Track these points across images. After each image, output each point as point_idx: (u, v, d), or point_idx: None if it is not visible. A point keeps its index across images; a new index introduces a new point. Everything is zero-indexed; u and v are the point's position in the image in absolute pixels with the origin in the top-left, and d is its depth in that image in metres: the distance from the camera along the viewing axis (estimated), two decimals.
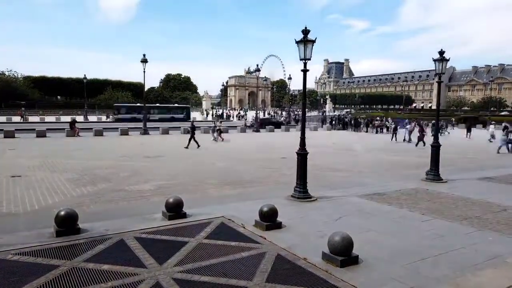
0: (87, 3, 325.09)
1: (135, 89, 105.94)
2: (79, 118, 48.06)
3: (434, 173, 12.80)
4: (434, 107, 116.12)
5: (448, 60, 12.75)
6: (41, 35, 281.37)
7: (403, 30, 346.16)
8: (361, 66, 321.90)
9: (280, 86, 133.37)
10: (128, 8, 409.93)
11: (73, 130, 29.27)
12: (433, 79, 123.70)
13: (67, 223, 6.63)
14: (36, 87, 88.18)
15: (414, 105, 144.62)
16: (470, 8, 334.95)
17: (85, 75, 59.16)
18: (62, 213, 6.66)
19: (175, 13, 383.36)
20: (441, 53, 12.62)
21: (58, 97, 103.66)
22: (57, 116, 57.12)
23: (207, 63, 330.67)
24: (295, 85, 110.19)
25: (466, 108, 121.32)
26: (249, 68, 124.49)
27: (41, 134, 27.32)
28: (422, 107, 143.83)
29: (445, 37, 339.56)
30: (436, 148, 13.02)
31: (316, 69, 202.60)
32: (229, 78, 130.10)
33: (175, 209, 7.75)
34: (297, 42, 9.49)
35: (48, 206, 8.79)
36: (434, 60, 12.86)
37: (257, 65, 44.92)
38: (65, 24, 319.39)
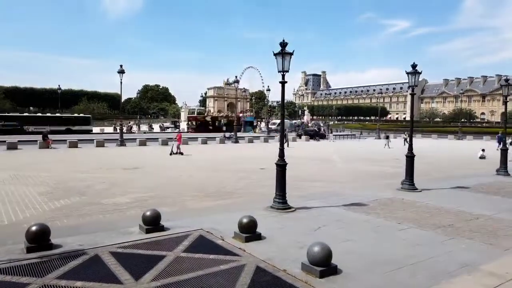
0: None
1: (112, 100, 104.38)
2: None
3: (409, 183, 13.10)
4: (408, 118, 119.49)
5: (420, 73, 13.18)
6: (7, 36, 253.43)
7: (445, 32, 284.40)
8: (368, 75, 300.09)
9: (259, 97, 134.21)
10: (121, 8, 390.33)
11: (45, 142, 28.46)
12: (407, 91, 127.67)
13: (38, 239, 6.37)
14: (8, 97, 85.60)
15: (389, 116, 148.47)
16: None
17: (59, 85, 58.01)
18: (33, 228, 6.41)
19: (160, 16, 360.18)
20: (414, 66, 13.05)
21: (31, 108, 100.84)
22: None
23: (189, 72, 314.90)
24: (274, 97, 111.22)
25: (438, 119, 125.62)
26: (227, 80, 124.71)
27: (12, 146, 26.36)
28: (397, 118, 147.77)
29: (492, 41, 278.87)
30: (410, 158, 13.36)
31: (296, 79, 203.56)
32: (208, 89, 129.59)
33: (152, 222, 7.59)
34: (275, 55, 9.62)
35: (19, 221, 8.44)
36: (407, 73, 13.27)
37: (236, 77, 45.30)
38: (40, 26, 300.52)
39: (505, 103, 18.17)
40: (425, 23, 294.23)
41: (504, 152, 18.01)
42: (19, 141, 28.75)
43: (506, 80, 17.45)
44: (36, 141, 29.14)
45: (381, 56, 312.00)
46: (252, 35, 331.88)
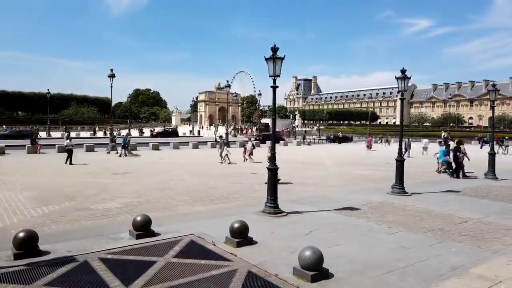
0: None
1: (102, 104, 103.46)
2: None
3: (399, 187, 13.21)
4: (398, 122, 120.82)
5: (410, 78, 13.35)
6: None
7: (464, 31, 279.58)
8: (371, 78, 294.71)
9: (250, 101, 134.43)
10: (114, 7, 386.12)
11: (34, 146, 28.06)
12: (396, 96, 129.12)
13: (26, 245, 6.26)
14: None
15: (379, 121, 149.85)
16: None
17: (48, 89, 57.39)
18: (21, 234, 6.30)
19: (153, 16, 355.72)
20: (403, 71, 13.21)
21: (19, 112, 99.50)
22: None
23: (180, 74, 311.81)
24: (266, 101, 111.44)
25: (427, 124, 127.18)
26: (219, 84, 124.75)
27: None
28: (387, 123, 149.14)
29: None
30: (400, 162, 13.48)
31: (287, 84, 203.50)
32: (199, 93, 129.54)
33: (142, 228, 7.52)
34: (266, 59, 9.66)
35: (6, 227, 8.29)
36: (397, 78, 13.42)
37: (227, 81, 45.39)
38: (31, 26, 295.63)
39: (492, 108, 18.48)
40: (447, 23, 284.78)
41: (491, 156, 18.26)
42: (7, 145, 28.34)
43: (493, 86, 17.77)
44: (25, 146, 28.72)
45: (390, 58, 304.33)
46: (251, 35, 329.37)
